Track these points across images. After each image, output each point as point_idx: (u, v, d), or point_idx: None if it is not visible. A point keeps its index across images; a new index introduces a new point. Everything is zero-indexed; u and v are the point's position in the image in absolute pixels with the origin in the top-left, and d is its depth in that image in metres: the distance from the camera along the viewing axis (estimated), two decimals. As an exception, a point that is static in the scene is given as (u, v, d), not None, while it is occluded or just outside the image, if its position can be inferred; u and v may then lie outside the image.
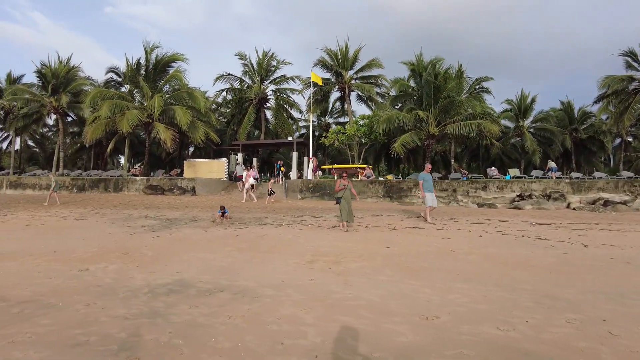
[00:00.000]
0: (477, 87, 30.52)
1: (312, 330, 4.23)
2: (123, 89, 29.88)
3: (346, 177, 12.29)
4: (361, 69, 30.70)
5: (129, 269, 7.23)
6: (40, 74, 29.75)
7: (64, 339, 4.12)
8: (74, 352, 3.84)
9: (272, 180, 20.33)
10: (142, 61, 27.15)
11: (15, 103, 31.87)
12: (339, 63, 30.36)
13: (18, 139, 37.58)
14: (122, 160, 48.16)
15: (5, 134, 41.86)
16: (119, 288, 6.02)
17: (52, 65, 30.33)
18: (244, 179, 20.68)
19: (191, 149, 40.80)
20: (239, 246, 9.15)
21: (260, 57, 32.15)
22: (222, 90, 33.75)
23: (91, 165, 39.82)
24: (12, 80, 36.54)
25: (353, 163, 27.67)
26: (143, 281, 6.41)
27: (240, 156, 27.53)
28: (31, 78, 41.20)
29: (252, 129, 34.29)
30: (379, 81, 30.73)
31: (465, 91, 27.43)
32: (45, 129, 43.46)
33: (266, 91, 32.67)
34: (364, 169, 23.91)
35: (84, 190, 23.82)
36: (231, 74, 33.09)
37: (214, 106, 33.38)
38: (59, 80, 29.59)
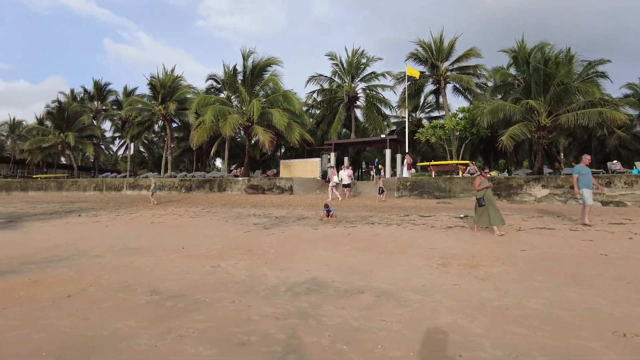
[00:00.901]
0: (591, 71, 27.25)
1: (487, 342, 3.78)
2: (222, 95, 31.72)
3: (487, 174, 11.02)
4: (457, 60, 29.14)
5: (258, 266, 7.33)
6: (151, 85, 32.79)
7: (226, 337, 4.13)
8: (240, 351, 3.81)
9: (381, 179, 19.94)
10: (239, 67, 28.62)
11: (130, 113, 35.48)
12: (433, 55, 29.11)
13: (132, 145, 41.79)
14: (218, 162, 51.57)
15: (122, 141, 46.97)
16: (256, 285, 6.08)
17: (159, 77, 33.24)
18: (328, 177, 20.76)
19: (282, 150, 42.10)
20: (356, 245, 8.92)
21: (350, 55, 32.08)
22: (314, 92, 34.31)
23: (193, 168, 42.95)
24: (127, 93, 40.86)
25: (450, 159, 26.29)
26: (277, 279, 6.41)
27: (333, 155, 27.65)
28: (142, 90, 46.12)
29: (341, 128, 34.33)
30: (478, 71, 28.87)
31: (577, 77, 24.62)
32: (152, 135, 47.82)
33: (356, 89, 32.48)
34: (465, 165, 22.54)
35: (191, 191, 25.62)
36: (322, 75, 33.52)
37: (304, 107, 34.01)
38: (166, 89, 32.33)
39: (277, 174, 29.14)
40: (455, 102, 38.22)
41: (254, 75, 27.75)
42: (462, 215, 13.15)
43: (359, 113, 34.48)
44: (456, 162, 23.60)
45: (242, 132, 31.30)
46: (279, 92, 27.16)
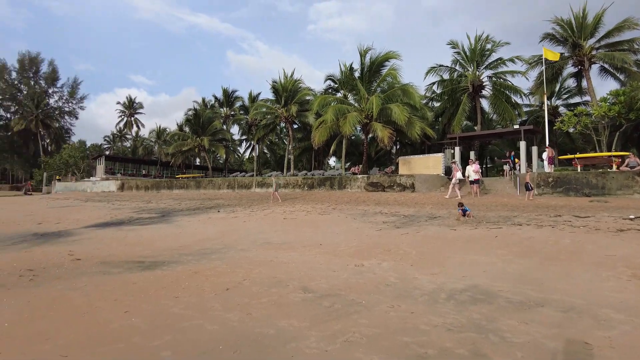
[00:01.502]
0: None
1: None
2: (339, 94, 32.06)
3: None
4: (606, 35, 24.97)
5: (404, 268, 6.89)
6: (274, 89, 34.66)
7: (399, 347, 3.75)
8: (423, 365, 3.39)
9: (528, 173, 17.91)
10: (355, 65, 28.55)
11: (256, 117, 38.00)
12: (574, 33, 25.41)
13: (257, 147, 44.82)
14: (331, 161, 52.61)
15: (248, 144, 50.75)
16: (411, 290, 5.63)
17: (281, 81, 34.94)
18: (452, 174, 19.24)
19: (397, 146, 41.12)
20: (512, 250, 7.91)
21: (473, 42, 29.76)
22: (432, 84, 32.74)
23: (311, 167, 44.43)
24: (252, 98, 43.92)
25: (598, 151, 22.66)
26: (431, 284, 5.89)
27: (457, 150, 25.93)
28: (264, 95, 49.31)
29: (464, 120, 32.09)
30: (635, 46, 24.37)
31: None
32: (274, 137, 50.65)
33: (481, 77, 30.04)
34: (621, 157, 19.12)
35: (312, 188, 26.35)
36: (442, 65, 31.75)
37: (424, 101, 32.58)
38: (288, 92, 33.83)
39: (395, 171, 28.40)
40: (600, 86, 33.06)
41: (372, 72, 27.41)
42: (632, 217, 11.01)
43: (484, 103, 31.90)
44: (609, 153, 20.16)
45: (360, 129, 31.25)
46: (398, 87, 26.39)
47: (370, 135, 28.88)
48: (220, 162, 63.10)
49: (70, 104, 73.79)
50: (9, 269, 7.75)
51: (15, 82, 69.82)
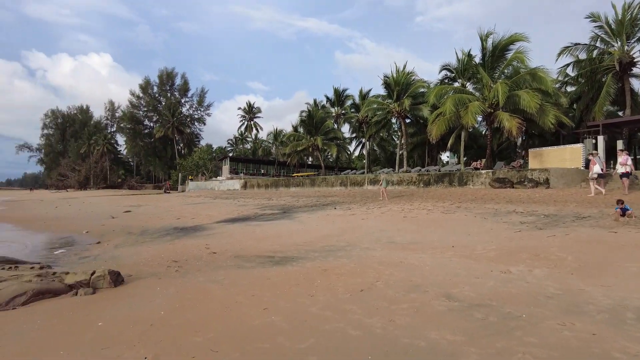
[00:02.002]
0: None
1: None
2: (456, 84, 30.10)
3: None
4: None
5: (564, 277, 5.83)
6: (385, 84, 34.00)
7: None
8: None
9: None
10: (474, 52, 26.41)
11: (367, 114, 37.79)
12: None
13: (367, 144, 44.57)
14: (444, 156, 49.79)
15: (358, 141, 50.86)
16: (580, 304, 4.67)
17: (392, 75, 34.08)
18: (589, 167, 16.36)
19: (523, 137, 37.21)
20: None
21: (621, 11, 25.32)
22: (566, 66, 28.85)
23: (425, 163, 42.69)
24: (362, 95, 43.80)
25: None
26: (606, 298, 4.83)
27: (600, 139, 22.33)
28: (375, 92, 48.55)
29: (609, 104, 27.54)
30: None
31: None
32: (385, 133, 49.86)
33: (632, 53, 25.46)
34: None
35: (429, 185, 25.11)
36: (577, 44, 27.73)
37: (556, 85, 28.82)
38: (400, 86, 32.85)
39: (524, 164, 25.62)
40: None
41: (495, 57, 25.04)
42: None
43: (635, 83, 27.03)
44: None
45: (481, 120, 28.95)
46: (526, 71, 23.65)
47: (501, 126, 26.49)
48: (330, 160, 64.45)
49: (198, 112, 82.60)
50: (159, 260, 8.55)
51: (156, 95, 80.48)
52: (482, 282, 5.77)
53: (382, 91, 36.82)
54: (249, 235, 11.84)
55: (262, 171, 60.00)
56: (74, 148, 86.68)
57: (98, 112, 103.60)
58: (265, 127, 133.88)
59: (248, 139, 79.06)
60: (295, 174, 48.18)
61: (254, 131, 77.87)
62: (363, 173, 37.81)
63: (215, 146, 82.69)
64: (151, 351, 3.71)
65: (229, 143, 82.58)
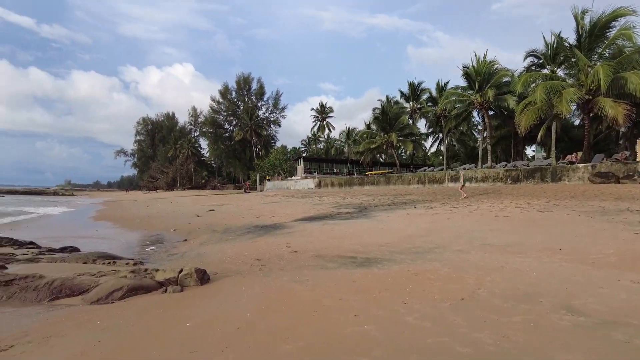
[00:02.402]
0: None
1: None
2: (545, 71, 27.41)
3: None
4: None
5: None
6: (466, 74, 32.03)
7: None
8: None
9: None
10: (564, 34, 23.75)
11: (445, 107, 36.00)
12: None
13: (446, 139, 42.47)
14: (529, 150, 45.83)
15: (435, 136, 48.77)
16: None
17: (473, 65, 32.00)
18: None
19: (625, 127, 32.94)
20: None
21: None
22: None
23: (508, 157, 39.72)
24: (440, 88, 41.83)
25: None
26: None
27: None
28: (453, 84, 45.87)
29: None
30: None
31: None
32: (465, 127, 47.20)
33: None
34: None
35: (518, 181, 23.13)
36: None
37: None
38: (482, 76, 30.76)
39: (632, 157, 22.61)
40: None
41: (593, 37, 22.30)
42: None
43: None
44: None
45: (577, 109, 26.14)
46: (635, 49, 20.71)
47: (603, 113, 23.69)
48: (404, 157, 62.72)
49: (274, 114, 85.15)
50: (242, 257, 8.57)
51: (235, 100, 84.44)
52: (610, 293, 4.86)
53: (461, 82, 34.91)
54: (328, 234, 11.58)
55: (335, 170, 60.12)
56: (162, 152, 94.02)
57: (182, 118, 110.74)
58: (338, 127, 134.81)
59: (321, 138, 79.82)
60: (368, 172, 47.52)
61: (327, 131, 78.42)
62: (442, 169, 36.10)
63: (289, 147, 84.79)
64: (240, 358, 3.48)
65: (302, 143, 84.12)
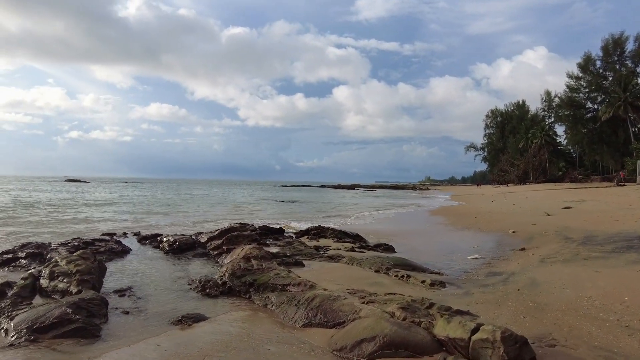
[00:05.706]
0: None
1: None
2: None
3: None
4: None
5: None
6: None
7: None
8: None
9: None
10: None
11: None
12: None
13: None
14: None
15: None
16: None
17: None
18: None
19: None
20: None
21: None
22: None
23: None
24: None
25: None
26: None
27: None
28: None
29: None
30: None
31: None
32: None
33: None
34: None
35: None
36: None
37: None
38: None
39: None
40: None
41: None
42: None
43: None
44: None
45: None
46: None
47: None
48: None
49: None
50: (619, 307, 4.65)
51: (601, 71, 68.13)
52: None
53: None
54: None
55: None
56: (513, 143, 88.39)
57: (534, 106, 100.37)
58: None
59: None
60: None
61: None
62: None
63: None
64: None
65: None
